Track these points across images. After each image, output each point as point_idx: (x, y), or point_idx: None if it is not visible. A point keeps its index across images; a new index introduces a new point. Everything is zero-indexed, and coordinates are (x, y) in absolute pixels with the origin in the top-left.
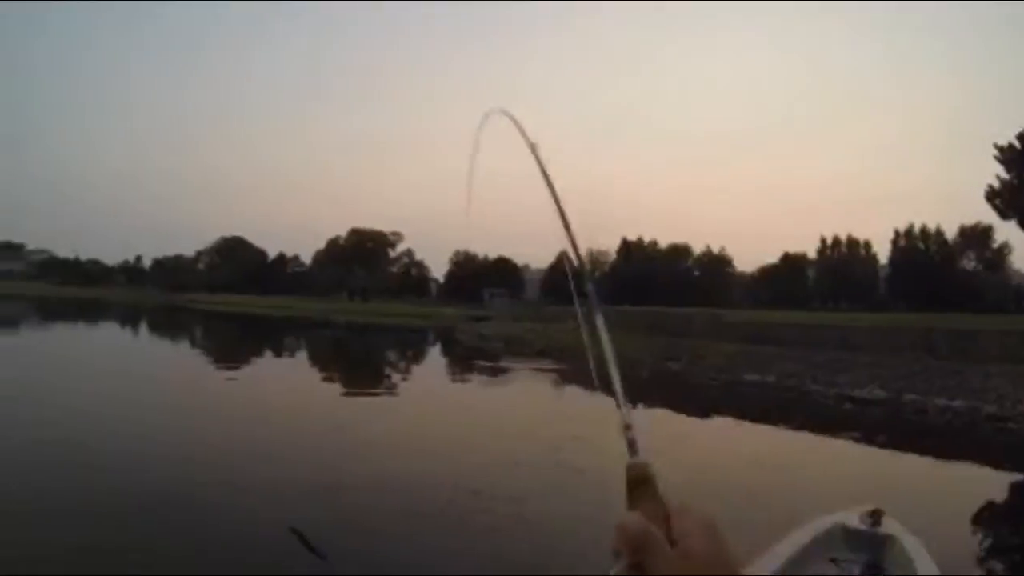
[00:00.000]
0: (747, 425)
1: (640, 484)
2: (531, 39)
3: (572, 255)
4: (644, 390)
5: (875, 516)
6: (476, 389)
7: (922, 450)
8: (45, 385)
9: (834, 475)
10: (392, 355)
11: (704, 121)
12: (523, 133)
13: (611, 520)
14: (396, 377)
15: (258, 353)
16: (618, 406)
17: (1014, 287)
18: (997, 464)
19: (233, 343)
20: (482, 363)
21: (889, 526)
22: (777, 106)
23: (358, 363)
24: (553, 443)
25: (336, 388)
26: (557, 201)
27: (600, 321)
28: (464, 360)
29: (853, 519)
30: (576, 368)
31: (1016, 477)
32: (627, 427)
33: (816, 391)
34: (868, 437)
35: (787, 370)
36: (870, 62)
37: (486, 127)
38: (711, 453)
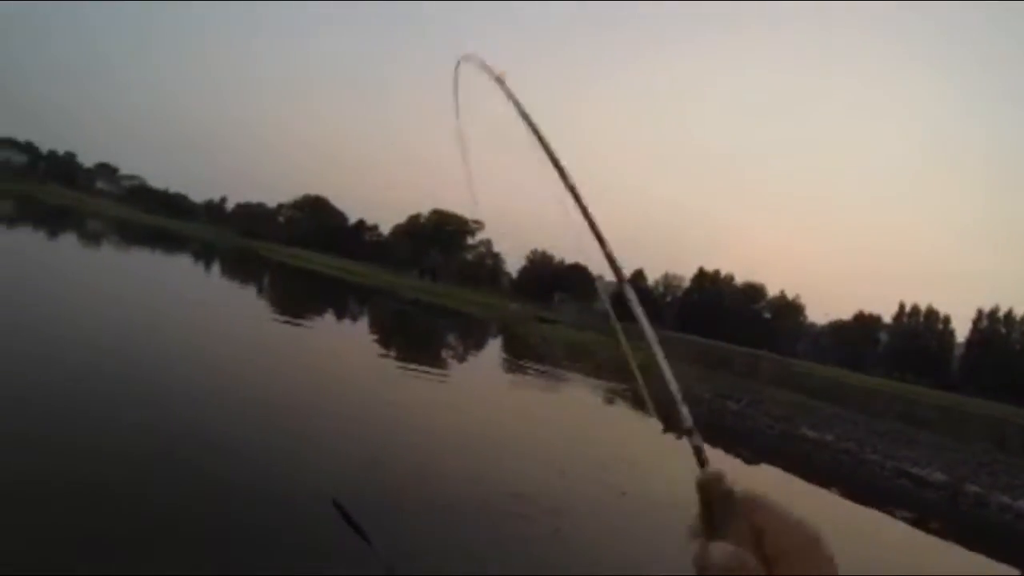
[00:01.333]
0: (797, 482)
1: (717, 500)
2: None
3: (604, 259)
4: (697, 426)
5: None
6: (530, 392)
7: (974, 546)
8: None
9: (878, 552)
10: (452, 339)
11: (799, 170)
12: (508, 93)
13: (641, 551)
14: (453, 362)
15: (321, 312)
16: (678, 407)
17: None
18: None
19: (299, 298)
20: (540, 367)
21: None
22: (874, 168)
23: (417, 340)
24: (601, 461)
25: (391, 362)
26: (574, 192)
27: (650, 333)
28: (523, 359)
29: None
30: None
31: None
32: (690, 432)
33: (873, 460)
34: (921, 520)
35: (847, 433)
36: (979, 135)
37: (458, 76)
38: None
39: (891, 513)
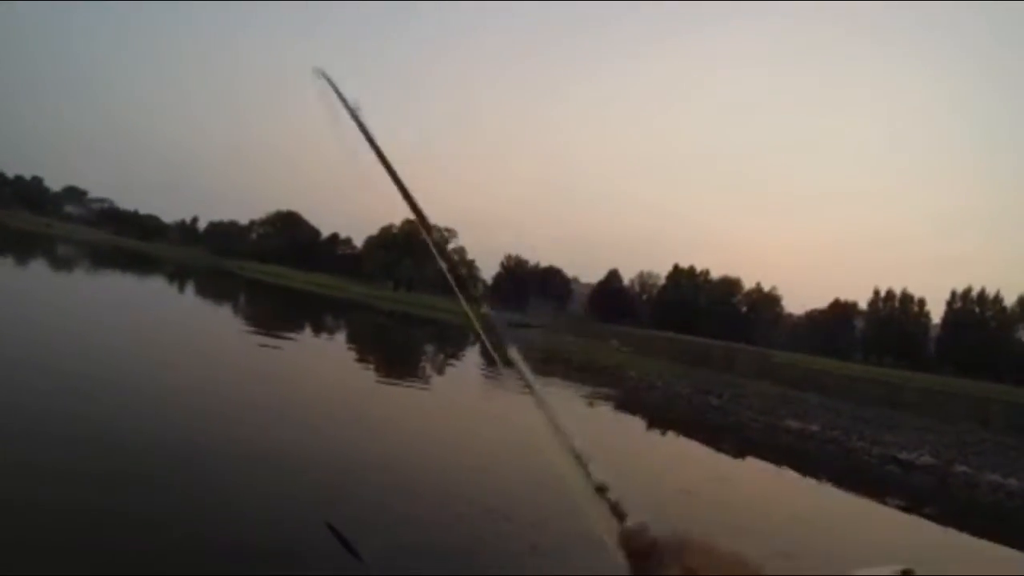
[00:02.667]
0: (787, 473)
1: (643, 551)
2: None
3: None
4: (680, 423)
5: (908, 573)
6: (509, 398)
7: (968, 528)
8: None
9: (876, 541)
10: (429, 349)
11: (773, 166)
12: (341, 96)
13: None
14: (430, 372)
15: (298, 328)
16: (585, 466)
17: None
18: None
19: (275, 314)
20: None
21: None
22: (846, 159)
23: (395, 352)
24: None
25: (369, 375)
26: (388, 166)
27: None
28: (499, 366)
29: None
30: (624, 394)
31: None
32: (602, 490)
33: (860, 448)
34: (914, 507)
35: (831, 421)
36: (947, 126)
37: (312, 89)
38: (750, 500)
39: (883, 500)
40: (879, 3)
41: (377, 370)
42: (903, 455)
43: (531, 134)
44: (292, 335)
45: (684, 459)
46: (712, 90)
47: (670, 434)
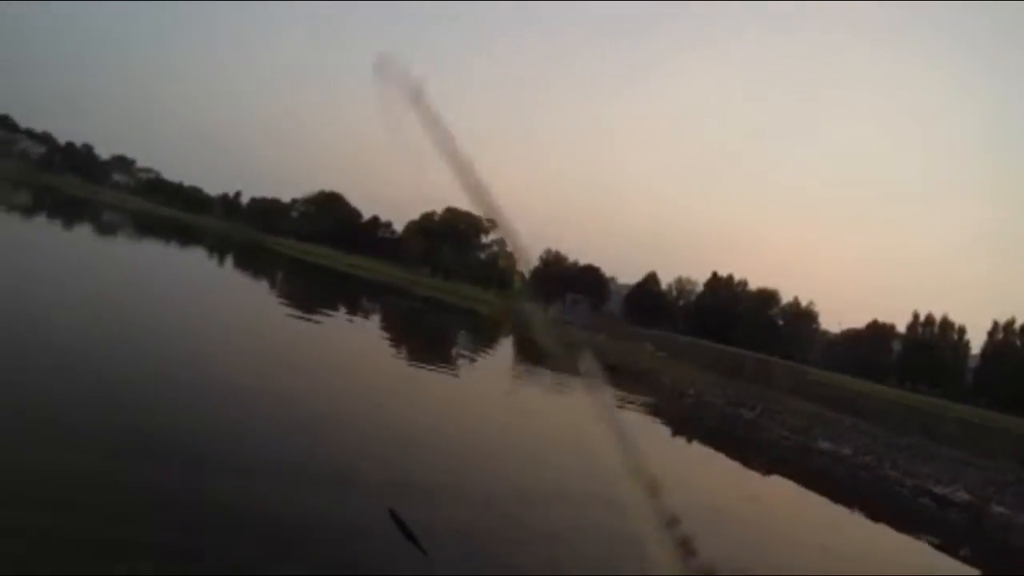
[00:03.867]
0: (817, 499)
1: None
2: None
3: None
4: (711, 434)
5: None
6: (538, 396)
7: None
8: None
9: None
10: (463, 338)
11: (819, 178)
12: (407, 84)
13: None
14: (462, 363)
15: (333, 307)
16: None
17: None
18: None
19: (311, 293)
20: (550, 370)
21: None
22: (890, 176)
23: (431, 340)
24: (610, 478)
25: (399, 362)
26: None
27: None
28: (535, 361)
29: None
30: (657, 400)
31: None
32: (673, 523)
33: (893, 477)
34: (949, 546)
35: (865, 446)
36: (1002, 144)
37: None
38: (781, 525)
39: (916, 536)
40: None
41: (407, 357)
42: (938, 489)
43: (578, 133)
44: (329, 314)
45: (714, 473)
46: (759, 98)
47: (700, 445)
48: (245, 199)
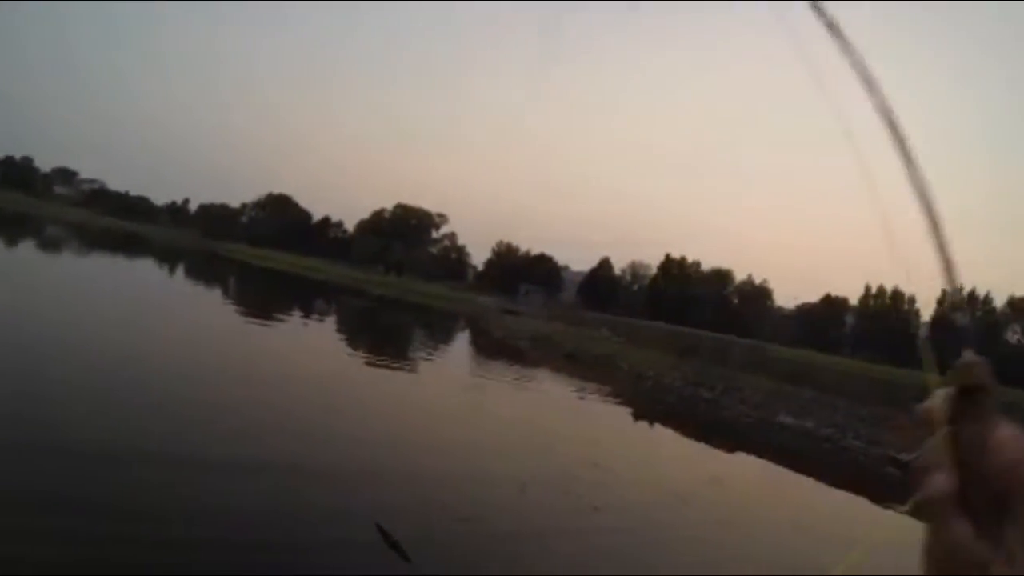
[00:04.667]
0: (781, 474)
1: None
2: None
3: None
4: (672, 416)
5: None
6: (496, 389)
7: None
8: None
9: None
10: (419, 335)
11: (766, 159)
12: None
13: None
14: (418, 360)
15: (288, 312)
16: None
17: None
18: None
19: (265, 298)
20: (505, 362)
21: None
22: (836, 153)
23: (384, 338)
24: (568, 468)
25: (355, 361)
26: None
27: None
28: (489, 354)
29: None
30: (615, 385)
31: None
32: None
33: (856, 447)
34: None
35: (827, 419)
36: (947, 126)
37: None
38: (749, 506)
39: (886, 506)
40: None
41: (363, 356)
42: (903, 457)
43: (528, 123)
44: (283, 319)
45: (676, 457)
46: (707, 83)
47: (661, 428)
48: (193, 206)
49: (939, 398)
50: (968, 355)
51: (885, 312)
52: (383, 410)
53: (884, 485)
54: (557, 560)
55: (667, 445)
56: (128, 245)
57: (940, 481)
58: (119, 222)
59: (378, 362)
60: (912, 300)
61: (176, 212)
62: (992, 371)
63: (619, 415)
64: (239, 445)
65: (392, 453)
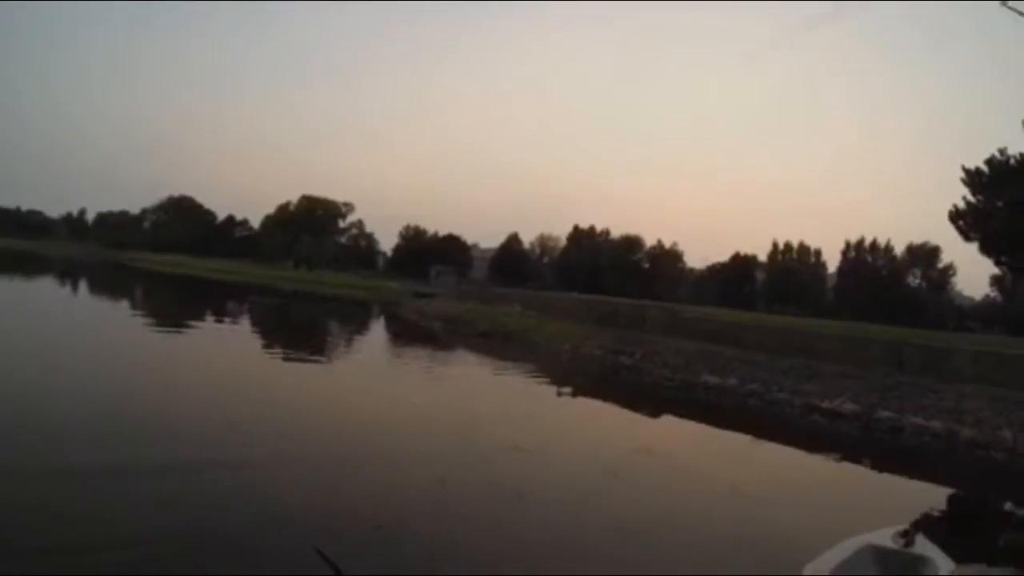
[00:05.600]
0: (710, 434)
1: None
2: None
3: None
4: (594, 387)
5: (907, 536)
6: (408, 375)
7: (903, 473)
8: None
9: (831, 505)
10: (332, 328)
11: (664, 120)
12: None
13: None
14: (330, 353)
15: (199, 317)
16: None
17: (955, 307)
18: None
19: (174, 306)
20: (418, 346)
21: (922, 546)
22: (735, 111)
23: (297, 334)
24: (488, 454)
25: (267, 359)
26: None
27: None
28: (404, 339)
29: (885, 539)
30: (532, 361)
31: None
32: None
33: (782, 399)
34: (851, 457)
35: (750, 374)
36: (833, 75)
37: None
38: (685, 474)
39: (815, 453)
40: None
41: (272, 357)
42: (825, 404)
43: (426, 105)
44: (195, 325)
45: (602, 429)
46: (598, 52)
47: (583, 401)
48: (91, 216)
49: None
50: None
51: (794, 267)
52: (294, 405)
53: (812, 432)
54: (480, 560)
55: (591, 418)
56: (24, 264)
57: None
58: (11, 240)
59: (291, 357)
60: (819, 253)
61: (74, 224)
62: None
63: (539, 391)
64: (137, 447)
65: (298, 450)
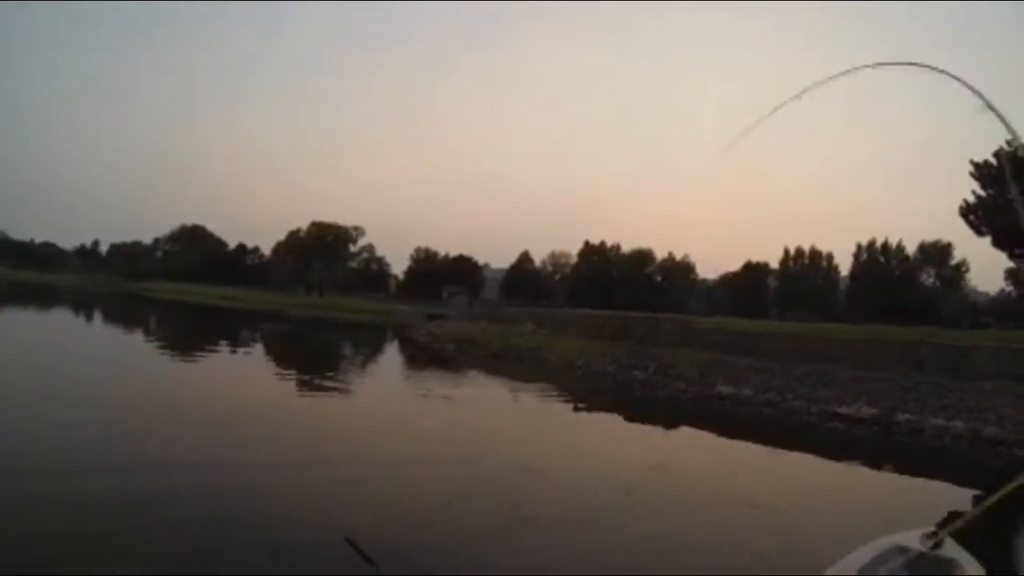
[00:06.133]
0: (727, 445)
1: None
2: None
3: None
4: (608, 403)
5: (935, 538)
6: (419, 398)
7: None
8: None
9: (851, 512)
10: (344, 352)
11: (671, 129)
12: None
13: None
14: (342, 377)
15: (212, 344)
16: None
17: (970, 304)
18: None
19: (188, 334)
20: (430, 369)
21: (950, 549)
22: (744, 117)
23: (310, 360)
24: (497, 475)
25: (279, 385)
26: None
27: None
28: (416, 362)
29: (913, 540)
30: (546, 379)
31: None
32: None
33: (799, 407)
34: (871, 462)
35: (765, 383)
36: (851, 79)
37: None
38: (704, 490)
39: (835, 460)
40: None
41: (283, 386)
42: (843, 410)
43: (433, 125)
44: (206, 354)
45: (615, 445)
46: (607, 66)
47: (597, 416)
48: (104, 247)
49: None
50: None
51: (805, 272)
52: (304, 429)
53: (831, 439)
54: None
55: (605, 434)
56: (39, 296)
57: None
58: (27, 273)
59: (304, 383)
60: (830, 257)
61: (87, 255)
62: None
63: (550, 409)
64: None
65: (302, 475)
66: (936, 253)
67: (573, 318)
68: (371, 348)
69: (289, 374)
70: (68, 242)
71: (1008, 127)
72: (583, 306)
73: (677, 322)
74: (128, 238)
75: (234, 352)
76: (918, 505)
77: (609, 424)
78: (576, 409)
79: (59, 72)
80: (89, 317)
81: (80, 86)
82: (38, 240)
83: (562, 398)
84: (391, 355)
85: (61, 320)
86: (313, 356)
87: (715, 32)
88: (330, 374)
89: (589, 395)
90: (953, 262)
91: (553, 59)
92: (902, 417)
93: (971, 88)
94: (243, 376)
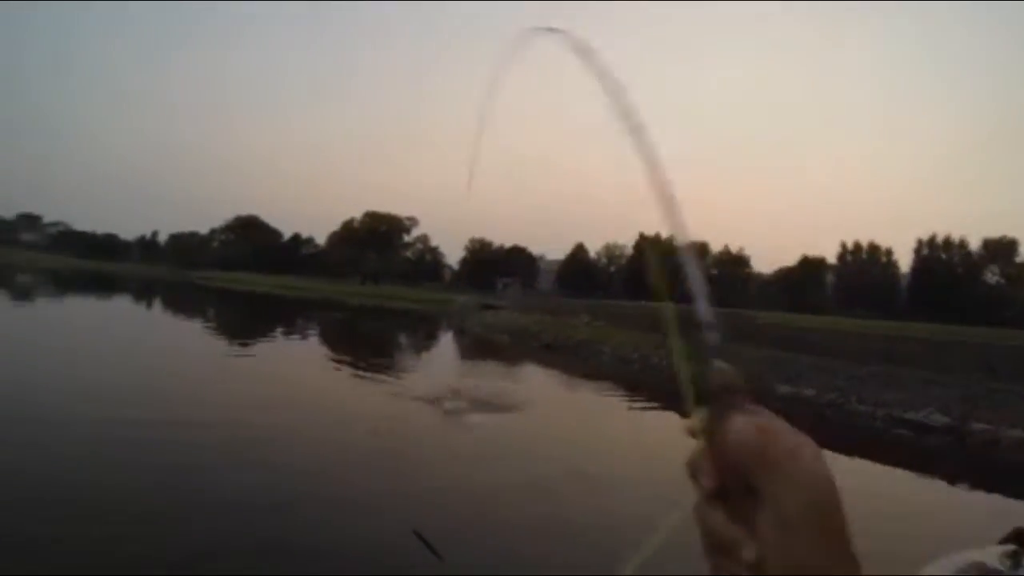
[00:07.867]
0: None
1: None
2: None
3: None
4: (664, 399)
5: (1016, 557)
6: (468, 391)
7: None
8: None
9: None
10: (396, 341)
11: (732, 120)
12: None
13: None
14: (395, 367)
15: (270, 332)
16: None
17: None
18: None
19: (244, 322)
20: (486, 359)
21: None
22: (807, 112)
23: (364, 348)
24: (546, 482)
25: (335, 375)
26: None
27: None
28: (469, 352)
29: (991, 557)
30: (600, 371)
31: None
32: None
33: (863, 411)
34: (944, 475)
35: (827, 383)
36: (910, 72)
37: (522, 47)
38: None
39: (905, 469)
40: None
41: (344, 373)
42: (911, 415)
43: (488, 115)
44: (265, 340)
45: (670, 447)
46: (669, 57)
47: (652, 414)
48: (163, 237)
49: (698, 415)
50: (717, 364)
51: (864, 267)
52: (358, 423)
53: (899, 447)
54: None
55: (657, 434)
56: (101, 285)
57: (703, 481)
58: (89, 262)
59: (358, 373)
60: (889, 252)
61: (146, 245)
62: (740, 374)
63: (604, 404)
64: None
65: (345, 476)
66: (1001, 250)
67: (628, 311)
68: (425, 337)
69: (345, 364)
70: (129, 233)
71: None
72: (639, 299)
73: (735, 316)
74: (186, 229)
75: (292, 340)
76: (995, 524)
77: (664, 422)
78: (634, 403)
79: (132, 81)
80: (149, 305)
81: (142, 83)
82: (100, 231)
83: (617, 393)
84: (445, 345)
85: (122, 308)
86: (368, 345)
87: (766, 26)
88: (385, 365)
89: (644, 390)
90: (1019, 260)
91: (610, 41)
92: (977, 427)
93: None
94: (301, 363)
